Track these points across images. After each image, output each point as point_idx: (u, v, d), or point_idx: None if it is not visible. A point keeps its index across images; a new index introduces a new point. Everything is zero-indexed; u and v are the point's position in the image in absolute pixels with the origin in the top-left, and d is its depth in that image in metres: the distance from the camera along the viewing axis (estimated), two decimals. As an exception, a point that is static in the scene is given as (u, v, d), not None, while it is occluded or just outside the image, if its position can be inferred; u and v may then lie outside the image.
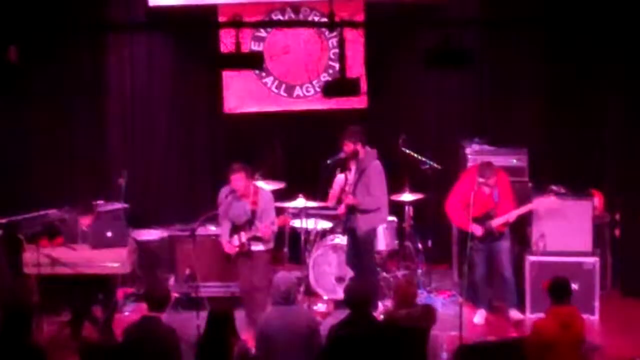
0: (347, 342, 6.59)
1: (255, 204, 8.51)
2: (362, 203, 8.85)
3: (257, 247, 8.56)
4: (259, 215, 8.50)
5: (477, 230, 8.80)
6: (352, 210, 8.97)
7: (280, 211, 9.10)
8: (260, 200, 8.53)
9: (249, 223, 8.49)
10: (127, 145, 11.05)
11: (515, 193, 9.11)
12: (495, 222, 8.85)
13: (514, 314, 9.05)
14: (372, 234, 9.05)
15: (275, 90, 11.05)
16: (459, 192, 9.01)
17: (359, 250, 9.03)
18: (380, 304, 9.10)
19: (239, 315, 7.88)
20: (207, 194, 10.29)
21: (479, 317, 9.12)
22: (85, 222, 8.68)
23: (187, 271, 9.20)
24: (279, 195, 9.44)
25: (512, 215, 8.88)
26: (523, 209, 8.95)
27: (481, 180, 8.79)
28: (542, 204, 9.02)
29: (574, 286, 7.12)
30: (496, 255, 8.98)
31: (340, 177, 9.30)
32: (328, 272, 9.57)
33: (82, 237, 8.64)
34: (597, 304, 9.12)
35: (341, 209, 9.15)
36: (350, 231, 9.13)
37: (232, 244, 8.54)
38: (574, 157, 10.48)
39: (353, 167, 9.02)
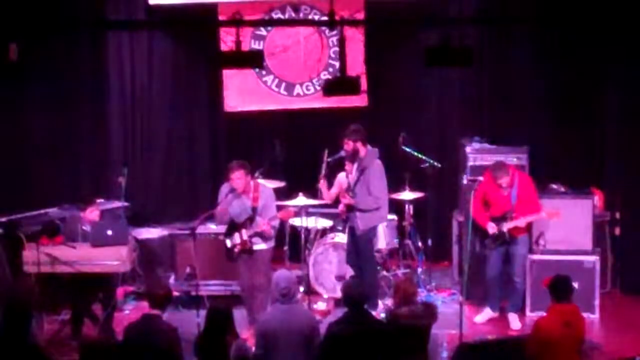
0: (343, 340, 6.59)
1: (255, 200, 8.50)
2: (361, 202, 8.85)
3: (259, 246, 8.56)
4: (259, 211, 8.49)
5: (491, 228, 8.80)
6: (351, 209, 8.97)
7: (282, 207, 9.09)
8: (260, 196, 8.53)
9: (250, 220, 8.49)
10: (127, 144, 11.05)
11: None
12: (507, 225, 8.82)
13: (513, 320, 9.00)
14: (371, 232, 9.04)
15: (276, 89, 11.05)
16: (480, 189, 8.99)
17: (359, 249, 9.03)
18: (380, 303, 9.10)
19: (239, 314, 7.89)
20: (208, 193, 10.31)
21: (483, 316, 9.10)
22: (89, 216, 8.66)
23: (187, 269, 9.21)
24: (279, 194, 9.44)
25: (522, 221, 8.83)
26: (533, 217, 8.89)
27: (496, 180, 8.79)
28: (549, 215, 8.98)
29: (574, 285, 7.11)
30: (511, 259, 8.95)
31: (341, 176, 9.29)
32: (328, 271, 9.58)
33: (82, 236, 8.62)
34: (597, 302, 9.12)
35: (341, 208, 9.15)
36: (350, 230, 9.14)
37: (232, 239, 8.55)
38: (574, 155, 10.48)
39: (349, 167, 9.01)
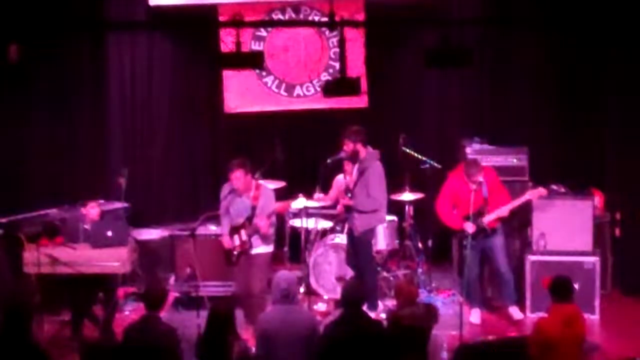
0: (339, 341, 6.58)
1: (256, 200, 8.48)
2: (360, 204, 8.84)
3: (257, 249, 8.53)
4: (258, 211, 8.47)
5: (470, 228, 8.78)
6: (350, 210, 8.96)
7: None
8: (261, 195, 8.51)
9: (249, 220, 8.47)
10: (128, 145, 11.06)
11: (510, 190, 9.09)
12: (487, 219, 8.83)
13: (514, 312, 9.05)
14: (369, 234, 9.02)
15: (276, 90, 11.06)
16: (448, 191, 9.01)
17: (358, 250, 9.02)
18: (380, 304, 9.09)
19: (239, 315, 7.89)
20: (208, 194, 10.31)
21: (475, 316, 9.11)
22: (89, 213, 8.69)
23: (188, 270, 9.19)
24: (279, 194, 9.43)
25: (504, 210, 8.86)
26: (514, 203, 8.93)
27: (468, 178, 8.79)
28: (532, 195, 8.99)
29: (575, 285, 7.11)
30: (491, 253, 8.97)
31: (339, 179, 9.30)
32: (328, 272, 9.58)
33: (82, 236, 8.63)
34: (597, 303, 9.11)
35: (339, 209, 9.15)
36: (348, 231, 9.14)
37: (232, 241, 8.53)
38: (574, 156, 10.48)
39: (348, 168, 9.02)
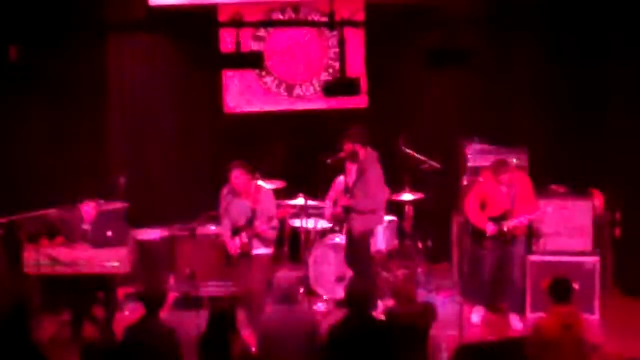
0: (345, 341, 6.59)
1: (255, 202, 8.50)
2: (357, 204, 8.84)
3: (258, 250, 8.54)
4: (259, 214, 8.49)
5: (491, 228, 8.77)
6: (348, 210, 8.96)
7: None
8: (260, 198, 8.52)
9: (249, 222, 8.48)
10: (128, 145, 11.05)
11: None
12: (508, 224, 8.79)
13: (514, 321, 9.02)
14: (367, 235, 9.02)
15: (276, 90, 11.06)
16: (478, 190, 8.97)
17: (356, 251, 9.02)
18: (380, 304, 9.09)
19: (240, 314, 7.89)
20: (208, 194, 10.28)
21: (477, 315, 9.11)
22: (85, 210, 8.71)
23: (188, 271, 9.21)
24: (279, 195, 9.44)
25: (525, 219, 8.83)
26: (536, 215, 8.89)
27: (496, 177, 8.77)
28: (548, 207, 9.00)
29: (575, 286, 7.12)
30: (509, 260, 8.93)
31: (340, 180, 9.30)
32: (328, 272, 9.57)
33: (82, 237, 8.63)
34: (597, 303, 9.12)
35: (337, 209, 9.15)
36: (346, 231, 9.13)
37: (234, 244, 8.53)
38: (574, 156, 10.47)
39: (350, 168, 9.02)
